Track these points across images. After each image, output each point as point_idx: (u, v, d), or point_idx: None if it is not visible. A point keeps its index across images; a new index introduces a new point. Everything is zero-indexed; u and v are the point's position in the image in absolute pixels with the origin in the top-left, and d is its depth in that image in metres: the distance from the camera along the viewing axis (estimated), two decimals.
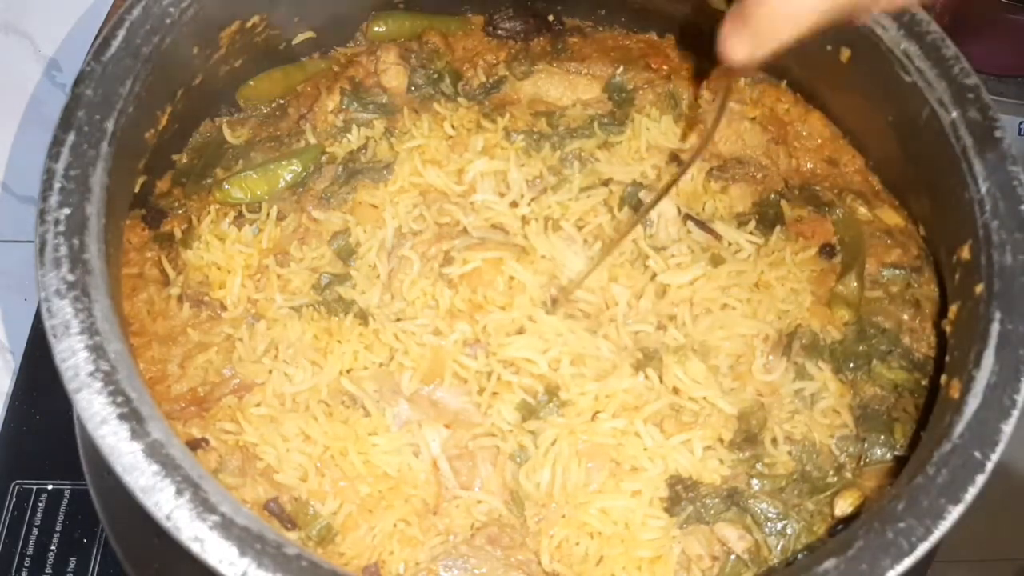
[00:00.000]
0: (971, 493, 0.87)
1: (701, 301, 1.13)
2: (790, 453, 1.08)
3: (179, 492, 0.81)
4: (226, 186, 1.19)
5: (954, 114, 1.07)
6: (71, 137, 0.96)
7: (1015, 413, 0.91)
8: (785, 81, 1.34)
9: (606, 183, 1.21)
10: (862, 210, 1.23)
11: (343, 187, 1.20)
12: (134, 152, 1.07)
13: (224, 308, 1.13)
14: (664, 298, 1.14)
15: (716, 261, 1.15)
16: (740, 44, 0.86)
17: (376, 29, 1.35)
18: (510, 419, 1.07)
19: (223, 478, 1.01)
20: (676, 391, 1.08)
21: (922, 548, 0.85)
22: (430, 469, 1.06)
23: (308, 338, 1.09)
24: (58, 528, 1.36)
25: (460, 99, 1.30)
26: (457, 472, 1.06)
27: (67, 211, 0.92)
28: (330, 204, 1.20)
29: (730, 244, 1.18)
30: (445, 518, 1.04)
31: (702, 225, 1.18)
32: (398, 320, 1.11)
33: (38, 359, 1.47)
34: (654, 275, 1.15)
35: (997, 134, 1.05)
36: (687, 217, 1.19)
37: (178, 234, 1.17)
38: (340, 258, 1.17)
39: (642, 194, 1.20)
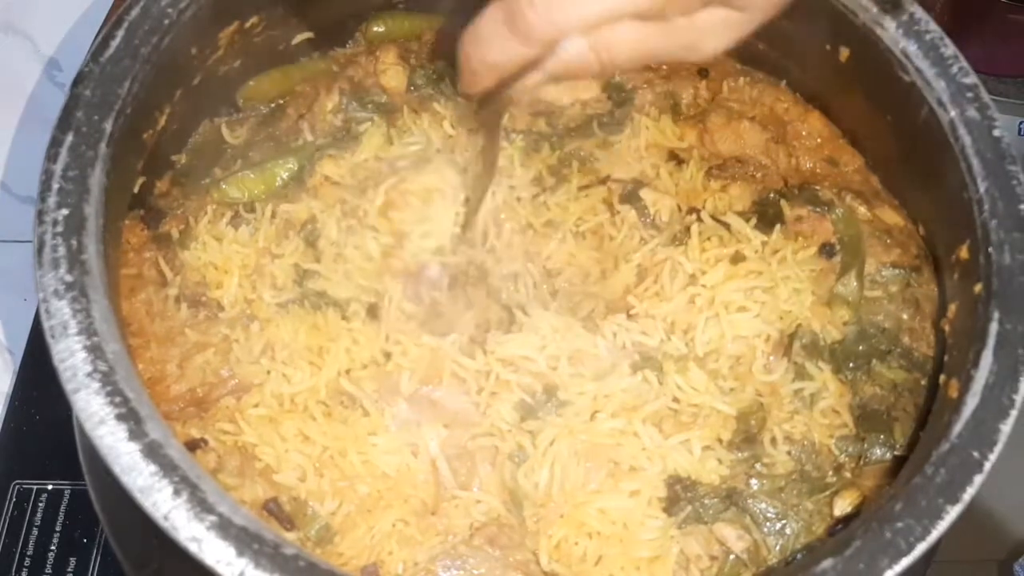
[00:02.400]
0: (969, 493, 0.87)
1: (717, 304, 1.12)
2: (789, 453, 1.07)
3: (177, 492, 0.81)
4: (223, 185, 1.19)
5: (953, 114, 1.07)
6: (70, 138, 0.96)
7: (1013, 413, 0.91)
8: (784, 81, 1.34)
9: (603, 181, 1.21)
10: (862, 210, 1.23)
11: (313, 160, 1.21)
12: (133, 153, 1.07)
13: (221, 308, 1.13)
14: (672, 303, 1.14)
15: (736, 259, 1.14)
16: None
17: (375, 29, 1.35)
18: (508, 419, 1.06)
19: (222, 478, 1.01)
20: (676, 399, 1.08)
21: (920, 548, 0.85)
22: (429, 469, 1.06)
23: (303, 338, 1.09)
24: (58, 528, 1.36)
25: (460, 99, 1.30)
26: (456, 472, 1.06)
27: (65, 212, 0.92)
28: (303, 184, 1.20)
29: (749, 240, 1.17)
30: (444, 518, 1.04)
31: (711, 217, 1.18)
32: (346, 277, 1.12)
33: (38, 359, 1.47)
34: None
35: (996, 134, 1.05)
36: (691, 210, 1.19)
37: (176, 234, 1.17)
38: (310, 246, 1.17)
39: (643, 192, 1.20)
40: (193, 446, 1.02)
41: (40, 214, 0.91)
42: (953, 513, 0.86)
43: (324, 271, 1.14)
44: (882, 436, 1.08)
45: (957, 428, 0.91)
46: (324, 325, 1.10)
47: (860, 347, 1.15)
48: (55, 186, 0.93)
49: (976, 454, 0.89)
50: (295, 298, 1.13)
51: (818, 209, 1.22)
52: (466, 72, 0.83)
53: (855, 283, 1.17)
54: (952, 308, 1.08)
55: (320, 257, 1.15)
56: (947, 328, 1.08)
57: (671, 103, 1.31)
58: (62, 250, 0.90)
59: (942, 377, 1.02)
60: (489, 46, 0.79)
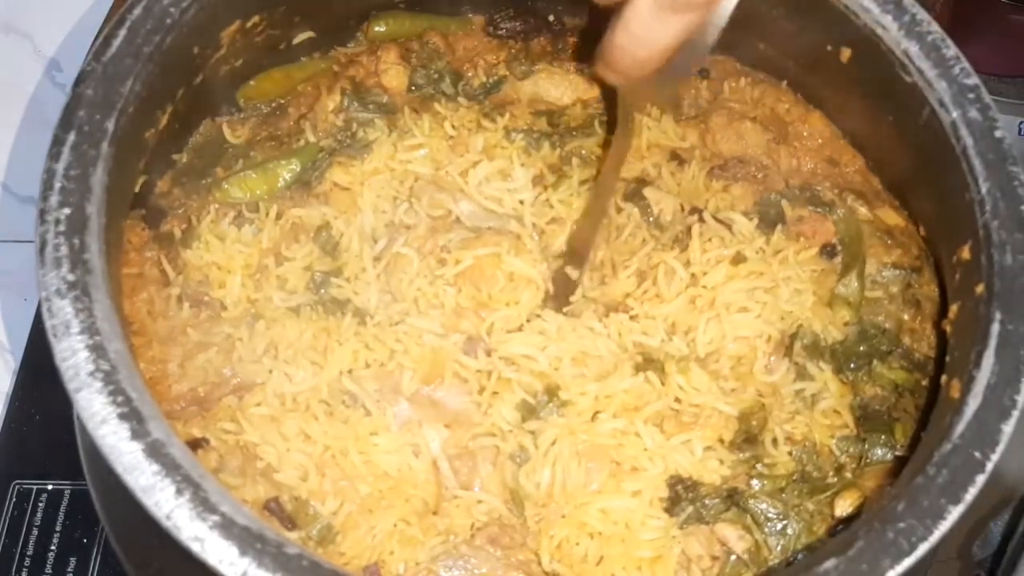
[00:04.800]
0: (971, 493, 0.87)
1: (718, 305, 1.12)
2: (790, 453, 1.08)
3: (179, 492, 0.81)
4: (225, 185, 1.19)
5: (954, 114, 1.07)
6: (71, 137, 0.95)
7: (1015, 413, 0.91)
8: (785, 81, 1.34)
9: None
10: (862, 210, 1.23)
11: (320, 165, 1.21)
12: (134, 152, 1.07)
13: (224, 308, 1.13)
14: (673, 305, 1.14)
15: (737, 260, 1.14)
16: (604, 72, 0.88)
17: (376, 29, 1.35)
18: (510, 419, 1.06)
19: (223, 478, 1.01)
20: (677, 400, 1.08)
21: (922, 548, 0.85)
22: (430, 469, 1.06)
23: (307, 338, 1.09)
24: (58, 528, 1.36)
25: (460, 99, 1.30)
26: (457, 472, 1.06)
27: (67, 211, 0.91)
28: (309, 188, 1.20)
29: (751, 241, 1.17)
30: (445, 518, 1.04)
31: (714, 217, 1.18)
32: (399, 323, 1.11)
33: (38, 359, 1.47)
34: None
35: (997, 134, 1.05)
36: (693, 210, 1.19)
37: (178, 234, 1.17)
38: (327, 253, 1.17)
39: (647, 190, 1.20)
40: (195, 445, 1.02)
41: (42, 213, 0.91)
42: (955, 513, 0.86)
43: (351, 285, 1.14)
44: (883, 436, 1.09)
45: (959, 428, 0.91)
46: (336, 329, 1.10)
47: (861, 347, 1.15)
48: (57, 185, 0.93)
49: (978, 454, 0.89)
50: (309, 302, 1.13)
51: (819, 209, 1.22)
52: (628, 66, 0.85)
53: (856, 283, 1.17)
54: (953, 309, 1.08)
55: (342, 269, 1.15)
56: (948, 329, 1.08)
57: (672, 103, 1.30)
58: (64, 249, 0.89)
59: (943, 378, 1.02)
60: (652, 34, 0.80)
